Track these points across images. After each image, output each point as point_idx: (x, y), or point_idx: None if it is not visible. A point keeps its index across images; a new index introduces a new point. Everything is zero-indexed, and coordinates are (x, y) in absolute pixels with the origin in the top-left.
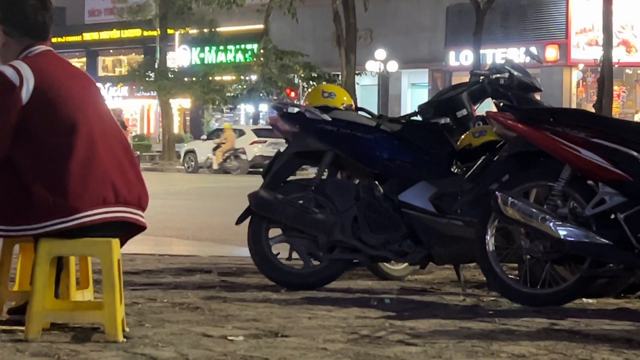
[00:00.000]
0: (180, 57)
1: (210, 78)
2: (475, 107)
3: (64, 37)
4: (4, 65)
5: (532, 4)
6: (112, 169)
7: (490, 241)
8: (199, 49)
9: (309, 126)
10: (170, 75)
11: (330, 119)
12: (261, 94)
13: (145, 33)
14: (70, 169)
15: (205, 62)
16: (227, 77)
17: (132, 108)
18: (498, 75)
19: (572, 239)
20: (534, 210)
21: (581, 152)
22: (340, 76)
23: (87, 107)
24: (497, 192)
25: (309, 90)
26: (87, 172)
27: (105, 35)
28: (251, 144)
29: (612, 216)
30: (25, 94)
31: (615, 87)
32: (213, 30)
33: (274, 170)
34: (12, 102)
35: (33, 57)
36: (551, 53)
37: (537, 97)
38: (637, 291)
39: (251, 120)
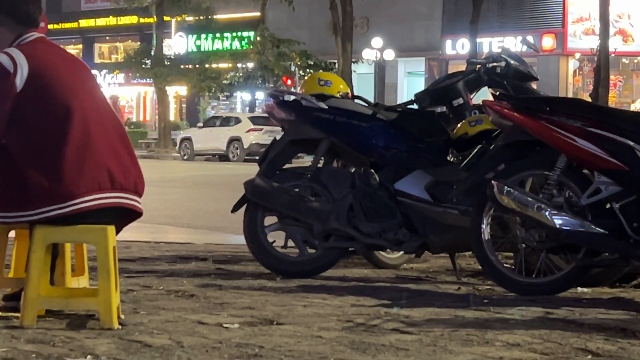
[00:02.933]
0: (177, 44)
1: (206, 65)
2: (471, 96)
3: (60, 24)
4: None
5: None
6: (107, 155)
7: (485, 230)
8: (195, 36)
9: (305, 114)
10: (166, 63)
11: (326, 107)
12: (257, 82)
13: (142, 20)
14: (65, 155)
15: (202, 49)
16: (224, 65)
17: (128, 95)
18: (494, 64)
19: (568, 228)
20: (530, 199)
21: (577, 141)
22: (336, 64)
23: (81, 93)
24: (492, 181)
25: (305, 78)
26: (82, 159)
27: (101, 22)
28: (247, 131)
29: (608, 205)
30: (20, 81)
31: (611, 77)
32: (209, 17)
33: (269, 158)
34: (6, 89)
35: (27, 44)
36: (548, 42)
37: (534, 86)
38: (631, 280)
39: (247, 108)
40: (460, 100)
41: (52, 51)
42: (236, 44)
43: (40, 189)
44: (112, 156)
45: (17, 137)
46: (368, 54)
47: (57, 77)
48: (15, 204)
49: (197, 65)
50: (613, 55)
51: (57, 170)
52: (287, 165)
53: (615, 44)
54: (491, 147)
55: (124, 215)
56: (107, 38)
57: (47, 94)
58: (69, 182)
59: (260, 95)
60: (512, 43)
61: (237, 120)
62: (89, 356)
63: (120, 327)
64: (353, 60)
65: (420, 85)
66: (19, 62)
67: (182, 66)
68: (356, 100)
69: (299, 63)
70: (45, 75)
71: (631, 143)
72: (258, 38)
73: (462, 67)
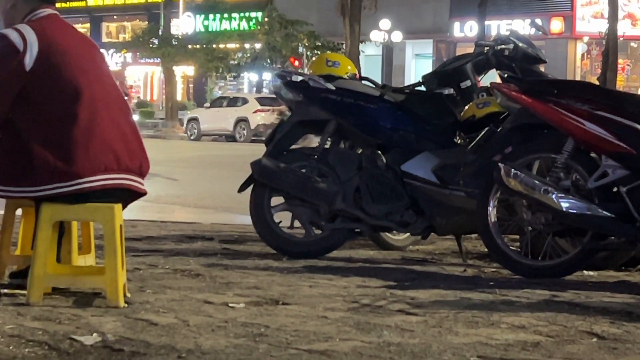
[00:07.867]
0: (184, 24)
1: (214, 46)
2: (479, 78)
3: (67, 3)
4: (9, 28)
5: None
6: (113, 137)
7: (492, 213)
8: (203, 16)
9: (312, 95)
10: (174, 43)
11: (334, 88)
12: (265, 63)
13: None
14: (71, 135)
15: (210, 29)
16: (231, 45)
17: (135, 75)
18: (503, 46)
19: (574, 212)
20: (537, 182)
21: (585, 125)
22: (344, 45)
23: (90, 73)
24: (499, 164)
25: (313, 59)
26: (88, 139)
27: (109, 1)
28: (254, 112)
29: (615, 189)
30: (29, 59)
31: (619, 61)
32: None
33: (276, 139)
34: (14, 66)
35: (38, 20)
36: (556, 25)
37: (542, 69)
38: (637, 264)
39: (254, 89)
40: (468, 83)
41: (63, 29)
42: (244, 25)
43: (46, 166)
44: (118, 137)
45: (24, 115)
46: (376, 36)
47: (67, 57)
48: (20, 179)
49: (204, 46)
50: (621, 39)
51: (63, 150)
52: (294, 146)
53: (623, 28)
54: (498, 130)
55: (128, 196)
56: (115, 17)
57: (56, 73)
58: (75, 162)
59: (267, 76)
60: (521, 26)
61: (244, 101)
62: (95, 334)
63: (126, 305)
64: (361, 41)
65: (428, 67)
66: (29, 40)
67: (189, 46)
68: (364, 82)
69: (306, 44)
70: (55, 54)
71: (639, 127)
72: (266, 19)
73: (470, 50)
